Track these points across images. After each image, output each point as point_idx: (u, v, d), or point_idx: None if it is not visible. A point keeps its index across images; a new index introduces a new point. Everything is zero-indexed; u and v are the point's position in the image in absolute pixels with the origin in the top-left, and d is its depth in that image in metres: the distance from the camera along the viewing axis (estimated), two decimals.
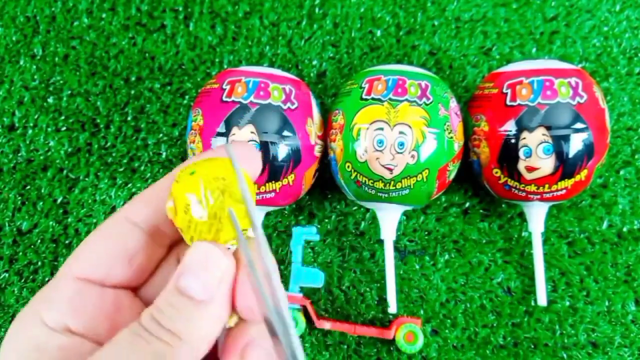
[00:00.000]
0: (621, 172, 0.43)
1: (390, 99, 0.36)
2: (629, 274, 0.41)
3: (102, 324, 0.18)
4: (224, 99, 0.36)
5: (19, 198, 0.44)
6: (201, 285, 0.17)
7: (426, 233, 0.42)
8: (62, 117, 0.45)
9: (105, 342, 0.17)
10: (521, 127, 0.35)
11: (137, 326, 0.16)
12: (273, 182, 0.36)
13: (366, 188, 0.37)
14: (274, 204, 0.38)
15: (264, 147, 0.35)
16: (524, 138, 0.35)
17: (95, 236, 0.19)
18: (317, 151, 0.38)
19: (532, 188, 0.37)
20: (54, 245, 0.43)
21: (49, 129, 0.45)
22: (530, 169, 0.36)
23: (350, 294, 0.41)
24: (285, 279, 0.40)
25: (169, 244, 0.21)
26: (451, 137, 0.37)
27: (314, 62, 0.46)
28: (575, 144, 0.35)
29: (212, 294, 0.17)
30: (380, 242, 0.41)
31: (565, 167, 0.35)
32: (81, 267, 0.18)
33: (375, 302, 0.41)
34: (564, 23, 0.46)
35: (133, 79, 0.46)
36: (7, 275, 0.43)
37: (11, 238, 0.43)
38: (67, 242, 0.43)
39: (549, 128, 0.35)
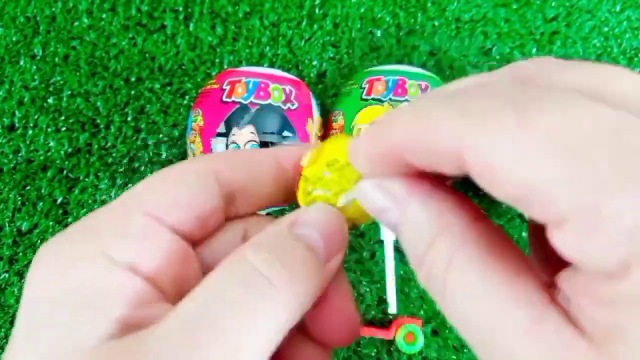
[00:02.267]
0: None
1: (390, 99, 0.36)
2: None
3: (167, 272, 0.15)
4: (224, 99, 0.36)
5: (19, 198, 0.44)
6: (324, 244, 0.15)
7: None
8: (62, 118, 0.45)
9: (168, 292, 0.15)
10: None
11: (245, 266, 0.14)
12: None
13: None
14: (275, 204, 0.38)
15: (264, 147, 0.35)
16: None
17: (170, 175, 0.17)
18: None
19: None
20: None
21: (49, 129, 0.45)
22: None
23: None
24: None
25: (237, 214, 0.18)
26: None
27: (314, 63, 0.46)
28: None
29: (330, 257, 0.16)
30: (380, 242, 0.41)
31: None
32: (153, 204, 0.16)
33: (375, 302, 0.41)
34: (564, 23, 0.46)
35: (133, 79, 0.46)
36: (7, 275, 0.43)
37: (11, 238, 0.43)
38: None
39: None
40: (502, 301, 0.11)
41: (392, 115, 0.13)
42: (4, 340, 0.43)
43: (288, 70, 0.45)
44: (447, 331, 0.41)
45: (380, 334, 0.39)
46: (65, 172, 0.44)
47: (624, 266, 0.09)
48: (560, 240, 0.10)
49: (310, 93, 0.39)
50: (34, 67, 0.46)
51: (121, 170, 0.44)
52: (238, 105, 0.36)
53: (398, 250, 0.42)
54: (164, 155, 0.44)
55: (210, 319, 0.13)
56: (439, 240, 0.13)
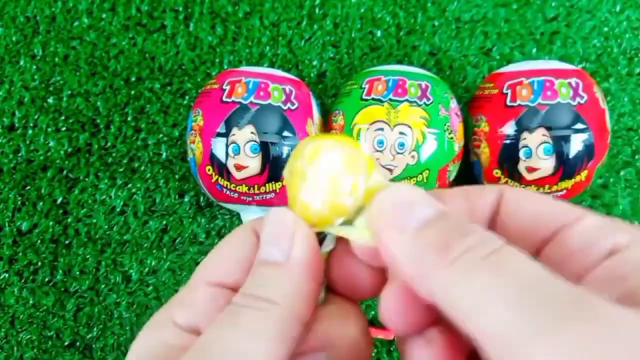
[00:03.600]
0: (621, 173, 0.43)
1: (390, 99, 0.36)
2: None
3: None
4: (224, 99, 0.36)
5: (19, 198, 0.44)
6: (277, 248, 0.17)
7: None
8: (62, 117, 0.45)
9: None
10: (521, 128, 0.35)
11: (231, 306, 0.17)
12: (273, 182, 0.36)
13: None
14: (275, 205, 0.38)
15: (264, 147, 0.35)
16: (524, 139, 0.35)
17: (224, 243, 0.20)
18: None
19: (533, 189, 0.36)
20: (54, 245, 0.43)
21: (49, 129, 0.45)
22: (531, 170, 0.36)
23: None
24: None
25: None
26: (451, 138, 0.37)
27: (314, 63, 0.46)
28: (576, 145, 0.35)
29: (287, 252, 0.17)
30: None
31: (566, 167, 0.35)
32: (212, 272, 0.19)
33: (375, 302, 0.41)
34: (564, 23, 0.46)
35: (133, 79, 0.46)
36: (7, 275, 0.43)
37: (11, 238, 0.43)
38: (67, 242, 0.43)
39: (549, 128, 0.35)
40: None
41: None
42: (4, 340, 0.43)
43: (288, 70, 0.45)
44: None
45: (380, 334, 0.39)
46: (65, 172, 0.44)
47: None
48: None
49: (310, 93, 0.39)
50: (34, 67, 0.46)
51: (121, 170, 0.44)
52: (238, 105, 0.36)
53: None
54: (164, 155, 0.44)
55: (216, 351, 0.15)
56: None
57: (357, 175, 0.18)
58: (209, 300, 0.18)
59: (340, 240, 0.19)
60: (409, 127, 0.35)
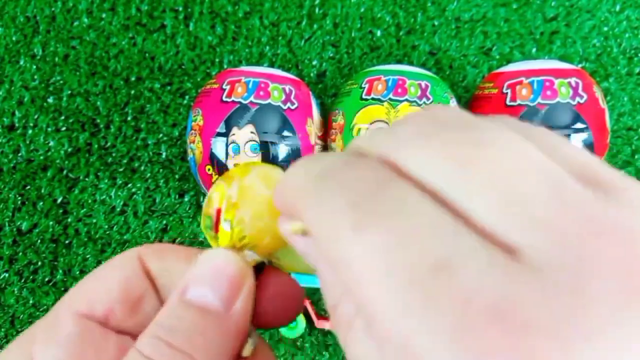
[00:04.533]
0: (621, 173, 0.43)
1: (390, 99, 0.36)
2: None
3: None
4: (224, 99, 0.36)
5: (19, 198, 0.44)
6: (214, 292, 0.15)
7: None
8: (62, 117, 0.45)
9: None
10: None
11: (134, 355, 0.14)
12: None
13: None
14: None
15: (264, 147, 0.35)
16: None
17: (100, 270, 0.17)
18: (317, 151, 0.38)
19: None
20: (54, 245, 0.43)
21: (49, 129, 0.45)
22: None
23: None
24: None
25: None
26: None
27: (314, 62, 0.46)
28: (576, 144, 0.35)
29: (229, 301, 0.15)
30: None
31: None
32: (80, 300, 0.16)
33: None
34: (564, 23, 0.46)
35: (133, 79, 0.46)
36: (7, 275, 0.43)
37: (11, 238, 0.43)
38: (67, 242, 0.43)
39: (549, 128, 0.35)
40: None
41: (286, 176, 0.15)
42: (4, 340, 0.43)
43: (288, 70, 0.45)
44: None
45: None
46: (65, 171, 0.44)
47: None
48: None
49: (310, 93, 0.39)
50: (34, 66, 0.46)
51: (121, 170, 0.44)
52: (238, 105, 0.36)
53: None
54: (164, 155, 0.44)
55: None
56: (343, 301, 0.13)
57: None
58: (76, 335, 0.15)
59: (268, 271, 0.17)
60: None
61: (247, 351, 0.16)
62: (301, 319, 0.39)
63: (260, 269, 0.17)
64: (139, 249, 0.17)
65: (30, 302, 0.43)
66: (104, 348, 0.15)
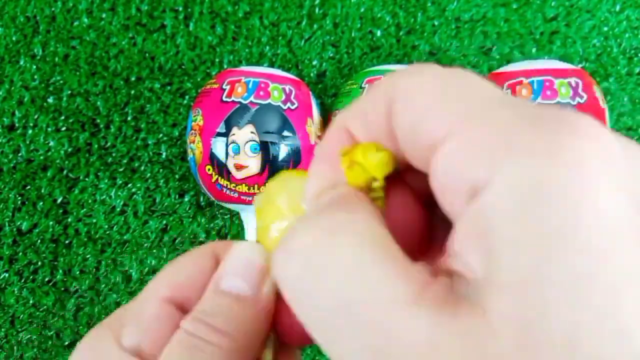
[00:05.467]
0: None
1: None
2: None
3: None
4: (224, 99, 0.36)
5: (19, 198, 0.44)
6: (246, 282, 0.17)
7: None
8: (62, 117, 0.45)
9: None
10: None
11: (182, 336, 0.16)
12: None
13: None
14: None
15: (264, 147, 0.35)
16: None
17: (181, 260, 0.19)
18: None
19: None
20: (54, 245, 0.43)
21: (49, 129, 0.45)
22: None
23: None
24: None
25: None
26: None
27: (314, 62, 0.46)
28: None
29: (258, 288, 0.17)
30: None
31: None
32: (166, 287, 0.18)
33: None
34: (564, 23, 0.46)
35: (133, 79, 0.46)
36: (7, 275, 0.43)
37: (11, 238, 0.43)
38: (67, 242, 0.43)
39: None
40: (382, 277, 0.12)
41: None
42: (4, 340, 0.43)
43: (288, 70, 0.45)
44: None
45: None
46: (65, 171, 0.44)
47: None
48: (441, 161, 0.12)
49: (310, 93, 0.39)
50: (34, 66, 0.46)
51: (121, 170, 0.44)
52: (238, 105, 0.36)
53: None
54: (164, 155, 0.44)
55: None
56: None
57: None
58: (158, 318, 0.17)
59: None
60: None
61: (266, 357, 0.18)
62: None
63: None
64: (212, 245, 0.19)
65: (30, 302, 0.43)
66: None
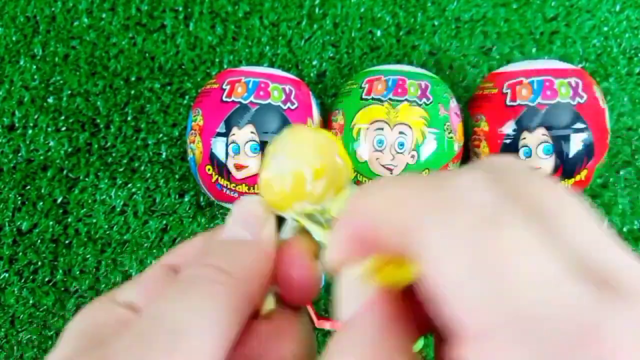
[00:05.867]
0: (621, 173, 0.43)
1: (390, 99, 0.36)
2: None
3: None
4: (224, 99, 0.36)
5: (19, 198, 0.44)
6: (245, 229, 0.18)
7: None
8: (62, 117, 0.45)
9: None
10: (521, 128, 0.36)
11: (183, 275, 0.16)
12: None
13: None
14: None
15: (264, 147, 0.35)
16: (524, 138, 0.35)
17: (188, 240, 0.20)
18: None
19: None
20: (54, 245, 0.43)
21: (49, 129, 0.45)
22: None
23: None
24: None
25: None
26: (451, 137, 0.37)
27: (314, 62, 0.46)
28: (575, 144, 0.35)
29: (257, 232, 0.18)
30: None
31: (565, 167, 0.35)
32: (169, 258, 0.19)
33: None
34: (564, 23, 0.46)
35: (133, 79, 0.46)
36: (7, 275, 0.43)
37: (11, 238, 0.43)
38: (67, 242, 0.43)
39: (549, 128, 0.35)
40: None
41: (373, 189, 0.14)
42: (4, 340, 0.43)
43: (288, 70, 0.45)
44: None
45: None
46: (65, 171, 0.44)
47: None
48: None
49: (310, 93, 0.39)
50: (34, 66, 0.46)
51: (121, 170, 0.44)
52: (238, 105, 0.36)
53: None
54: (164, 155, 0.44)
55: (164, 321, 0.14)
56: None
57: (323, 163, 0.18)
58: (154, 276, 0.18)
59: (293, 240, 0.19)
60: (409, 126, 0.35)
61: (266, 307, 0.18)
62: None
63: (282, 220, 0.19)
64: (213, 230, 0.19)
65: (30, 302, 0.43)
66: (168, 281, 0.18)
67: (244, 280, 0.16)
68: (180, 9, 0.47)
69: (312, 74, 0.46)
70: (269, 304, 0.18)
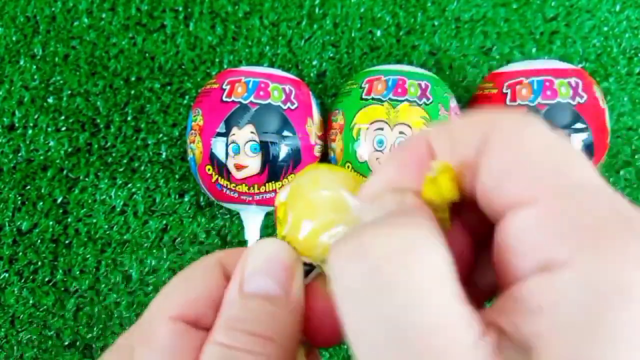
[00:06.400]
0: (621, 173, 0.43)
1: (390, 99, 0.36)
2: None
3: None
4: (224, 99, 0.36)
5: (19, 198, 0.44)
6: (274, 280, 0.16)
7: None
8: (62, 117, 0.45)
9: None
10: None
11: (216, 349, 0.14)
12: (273, 182, 0.36)
13: None
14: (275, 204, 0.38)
15: (264, 147, 0.35)
16: None
17: (186, 276, 0.17)
18: (317, 151, 0.38)
19: None
20: (54, 245, 0.43)
21: (49, 129, 0.45)
22: None
23: None
24: None
25: None
26: None
27: (314, 62, 0.46)
28: (575, 144, 0.35)
29: (288, 286, 0.16)
30: None
31: None
32: (174, 305, 0.16)
33: None
34: (564, 23, 0.46)
35: (133, 79, 0.46)
36: (7, 275, 0.43)
37: (11, 238, 0.43)
38: (67, 242, 0.43)
39: None
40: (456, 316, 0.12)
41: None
42: (4, 340, 0.43)
43: (288, 70, 0.45)
44: None
45: None
46: (65, 171, 0.44)
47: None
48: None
49: (310, 93, 0.39)
50: (34, 66, 0.46)
51: (121, 170, 0.44)
52: (238, 105, 0.36)
53: None
54: (164, 155, 0.44)
55: None
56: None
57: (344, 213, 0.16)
58: (172, 338, 0.16)
59: (316, 283, 0.17)
60: (409, 126, 0.35)
61: (300, 357, 0.16)
62: None
63: (308, 272, 0.17)
64: (218, 255, 0.17)
65: (30, 302, 0.43)
66: (196, 346, 0.16)
67: (284, 345, 0.15)
68: (180, 9, 0.47)
69: (312, 74, 0.46)
70: (301, 354, 0.17)
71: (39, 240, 0.43)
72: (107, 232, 0.43)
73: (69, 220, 0.44)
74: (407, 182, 0.14)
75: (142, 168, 0.44)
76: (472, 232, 0.15)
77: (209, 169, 0.37)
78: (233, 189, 0.37)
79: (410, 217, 0.12)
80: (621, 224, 0.11)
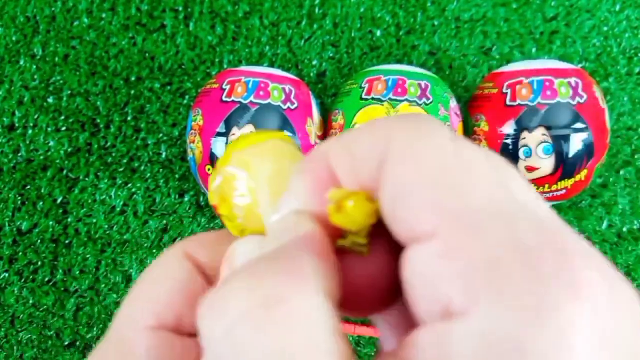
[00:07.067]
0: (621, 172, 0.43)
1: (390, 99, 0.36)
2: (628, 274, 0.41)
3: None
4: (224, 99, 0.36)
5: (19, 198, 0.44)
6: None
7: None
8: (62, 117, 0.45)
9: None
10: (521, 127, 0.36)
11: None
12: None
13: None
14: None
15: None
16: (524, 138, 0.35)
17: (152, 277, 0.15)
18: None
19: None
20: (54, 245, 0.43)
21: (49, 129, 0.45)
22: (530, 169, 0.36)
23: None
24: None
25: None
26: None
27: (314, 62, 0.46)
28: (575, 144, 0.35)
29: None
30: None
31: (565, 167, 0.35)
32: (148, 313, 0.15)
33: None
34: (564, 23, 0.46)
35: (133, 79, 0.46)
36: (7, 275, 0.43)
37: (11, 238, 0.43)
38: (67, 242, 0.43)
39: (549, 128, 0.35)
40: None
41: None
42: (4, 340, 0.43)
43: (288, 70, 0.45)
44: None
45: (380, 334, 0.39)
46: (65, 172, 0.44)
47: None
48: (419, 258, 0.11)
49: (310, 93, 0.39)
50: (34, 66, 0.46)
51: (121, 170, 0.44)
52: (238, 105, 0.36)
53: None
54: (164, 155, 0.44)
55: None
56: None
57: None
58: (153, 349, 0.14)
59: None
60: None
61: None
62: None
63: None
64: (183, 245, 0.16)
65: (30, 302, 0.43)
66: (184, 353, 0.15)
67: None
68: (180, 9, 0.47)
69: (312, 74, 0.46)
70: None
71: (39, 241, 0.43)
72: (107, 232, 0.43)
73: (69, 220, 0.44)
74: (315, 205, 0.13)
75: (142, 168, 0.44)
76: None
77: (209, 169, 0.37)
78: None
79: (289, 260, 0.11)
80: (517, 262, 0.10)
